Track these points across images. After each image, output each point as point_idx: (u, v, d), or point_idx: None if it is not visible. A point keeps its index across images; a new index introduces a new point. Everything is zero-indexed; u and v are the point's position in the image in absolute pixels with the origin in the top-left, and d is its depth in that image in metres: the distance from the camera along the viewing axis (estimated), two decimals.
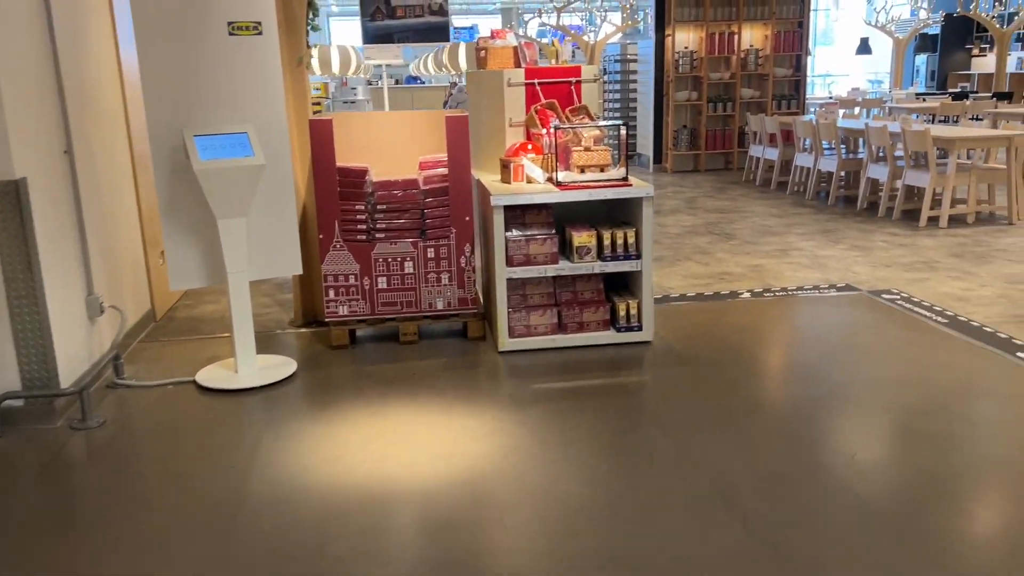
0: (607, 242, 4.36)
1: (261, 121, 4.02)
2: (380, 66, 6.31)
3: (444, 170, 4.43)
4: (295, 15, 4.63)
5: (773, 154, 9.83)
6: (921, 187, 7.43)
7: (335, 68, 6.75)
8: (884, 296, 5.21)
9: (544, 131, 4.58)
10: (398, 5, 5.06)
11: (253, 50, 3.97)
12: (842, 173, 8.52)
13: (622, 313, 4.41)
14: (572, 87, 4.93)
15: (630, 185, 4.28)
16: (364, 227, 4.40)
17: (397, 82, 22.61)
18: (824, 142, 8.82)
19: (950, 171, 7.17)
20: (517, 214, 4.37)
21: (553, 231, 4.37)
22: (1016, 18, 15.80)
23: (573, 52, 19.08)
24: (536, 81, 4.85)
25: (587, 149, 4.39)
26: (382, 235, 4.41)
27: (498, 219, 4.22)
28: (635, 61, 12.94)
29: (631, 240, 4.35)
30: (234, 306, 4.04)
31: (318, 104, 17.06)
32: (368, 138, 4.84)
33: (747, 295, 5.34)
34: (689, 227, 7.62)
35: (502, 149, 4.92)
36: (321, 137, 4.29)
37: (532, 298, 4.44)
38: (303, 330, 4.89)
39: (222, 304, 5.48)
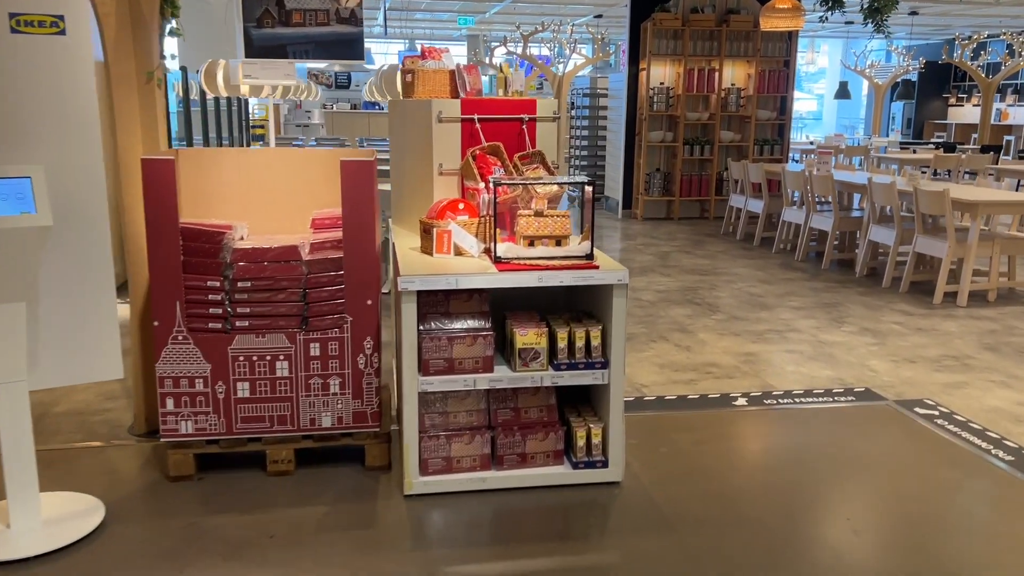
0: (562, 343, 3.12)
1: (60, 160, 2.73)
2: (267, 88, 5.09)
3: (340, 232, 3.17)
4: (142, 13, 3.36)
5: (757, 206, 8.72)
6: (935, 256, 6.34)
7: (220, 87, 5.50)
8: (918, 410, 4.03)
9: (482, 185, 3.36)
10: (294, 9, 3.81)
11: (51, 56, 2.69)
12: (837, 233, 7.43)
13: (581, 442, 3.16)
14: (524, 127, 3.72)
15: (597, 267, 3.06)
16: (219, 312, 3.11)
17: (354, 107, 21.39)
18: (817, 196, 7.72)
19: (972, 240, 6.08)
20: (438, 300, 3.12)
21: (487, 325, 3.12)
22: (1003, 68, 15.08)
23: (541, 83, 18.05)
24: (476, 117, 3.63)
25: (539, 213, 3.16)
26: (245, 323, 3.13)
27: (408, 308, 2.96)
28: (605, 96, 11.85)
29: (595, 341, 3.11)
30: (5, 432, 2.71)
31: (261, 128, 15.74)
32: (244, 185, 3.57)
33: (743, 402, 4.13)
34: (664, 292, 6.43)
35: (429, 204, 3.68)
36: (157, 183, 3.00)
37: (456, 418, 3.17)
38: (145, 442, 3.56)
39: None
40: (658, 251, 8.24)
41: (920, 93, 21.18)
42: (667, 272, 7.21)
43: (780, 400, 4.16)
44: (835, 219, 7.33)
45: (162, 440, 3.17)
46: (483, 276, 2.97)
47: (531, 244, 3.14)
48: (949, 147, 14.36)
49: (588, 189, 3.16)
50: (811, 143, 15.73)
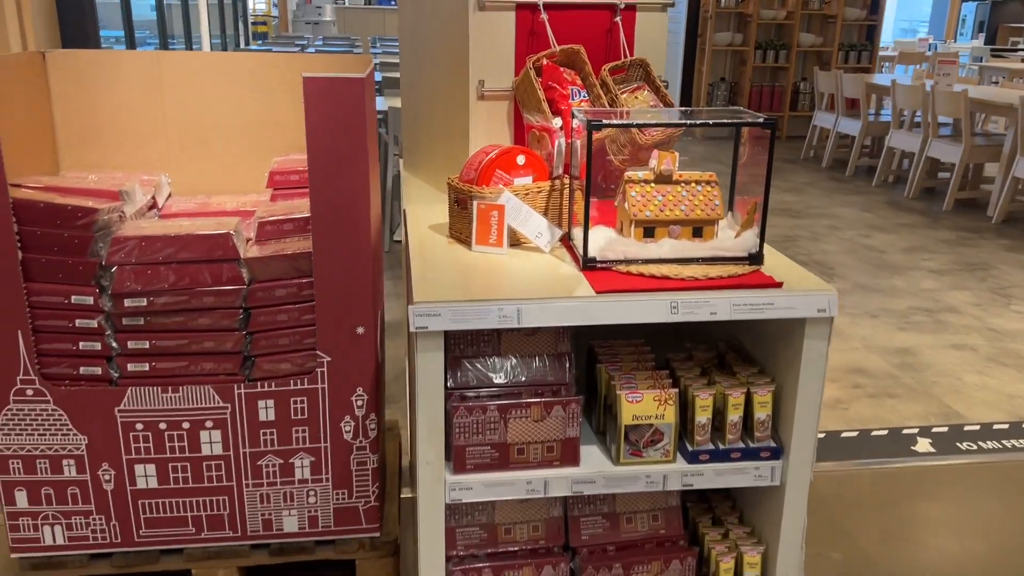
0: (703, 415, 1.75)
1: None
2: None
3: (303, 212, 1.78)
4: None
5: (851, 127, 7.16)
6: None
7: None
8: None
9: (556, 121, 1.93)
10: None
11: None
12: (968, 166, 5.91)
13: (724, 568, 1.84)
14: (618, 19, 2.27)
15: (778, 285, 1.66)
16: (97, 348, 1.76)
17: (368, 1, 19.43)
18: (941, 118, 6.16)
19: None
20: (484, 334, 1.75)
21: (570, 380, 1.77)
22: None
23: None
24: (542, 0, 2.18)
25: (664, 178, 1.75)
26: (143, 367, 1.78)
27: (429, 358, 1.59)
28: None
29: (761, 412, 1.75)
30: None
31: (264, 25, 14.00)
32: (168, 115, 2.17)
33: (927, 445, 2.78)
34: None
35: (462, 150, 2.28)
36: None
37: (509, 533, 1.85)
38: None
39: None
40: (718, 146, 6.73)
41: None
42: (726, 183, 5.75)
43: (983, 442, 2.80)
44: (965, 147, 5.79)
45: (14, 557, 1.88)
46: (568, 303, 1.58)
47: (648, 234, 1.74)
48: None
49: (745, 133, 1.74)
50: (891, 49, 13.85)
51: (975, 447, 2.77)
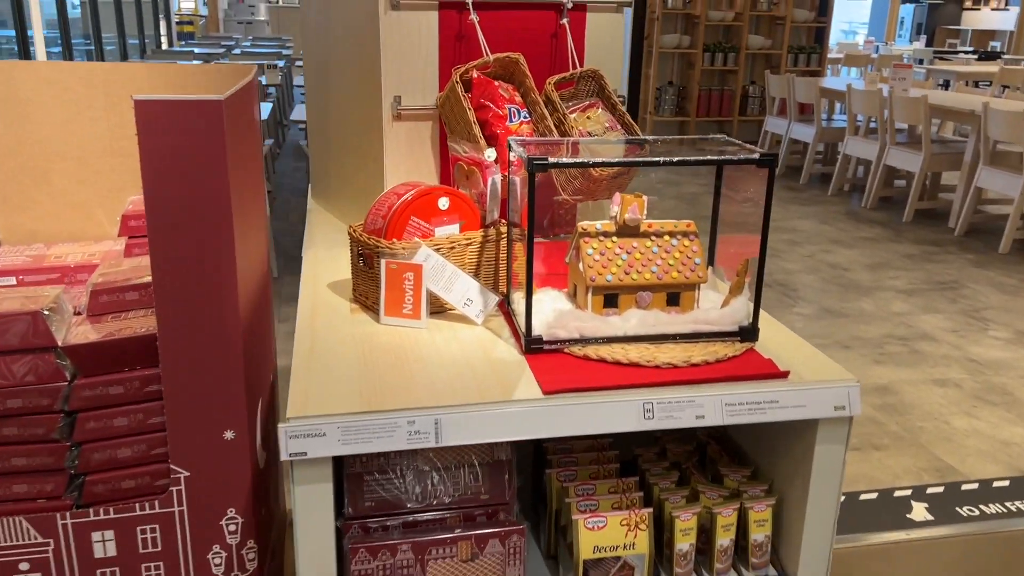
0: (684, 542, 1.34)
1: None
2: None
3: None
4: None
5: (804, 132, 6.89)
6: None
7: None
8: None
9: (488, 153, 1.50)
10: None
11: None
12: (927, 175, 5.65)
13: None
14: (564, 20, 1.86)
15: (783, 375, 1.26)
16: None
17: None
18: (898, 123, 5.91)
19: None
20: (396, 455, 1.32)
21: (508, 498, 1.34)
22: None
23: None
24: None
25: (627, 230, 1.34)
26: None
27: (309, 495, 1.15)
28: None
29: (759, 533, 1.35)
30: None
31: (190, 25, 13.26)
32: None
33: (923, 512, 2.42)
34: None
35: (375, 183, 1.85)
36: None
37: None
38: None
39: None
40: (681, 192, 6.42)
41: None
42: (705, 228, 5.41)
43: (985, 505, 2.45)
44: (925, 155, 5.54)
45: None
46: (505, 411, 1.16)
47: (610, 303, 1.33)
48: (989, 56, 12.52)
49: (757, 178, 1.33)
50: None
51: (976, 512, 2.42)
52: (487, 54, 1.75)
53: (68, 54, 6.28)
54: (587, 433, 1.17)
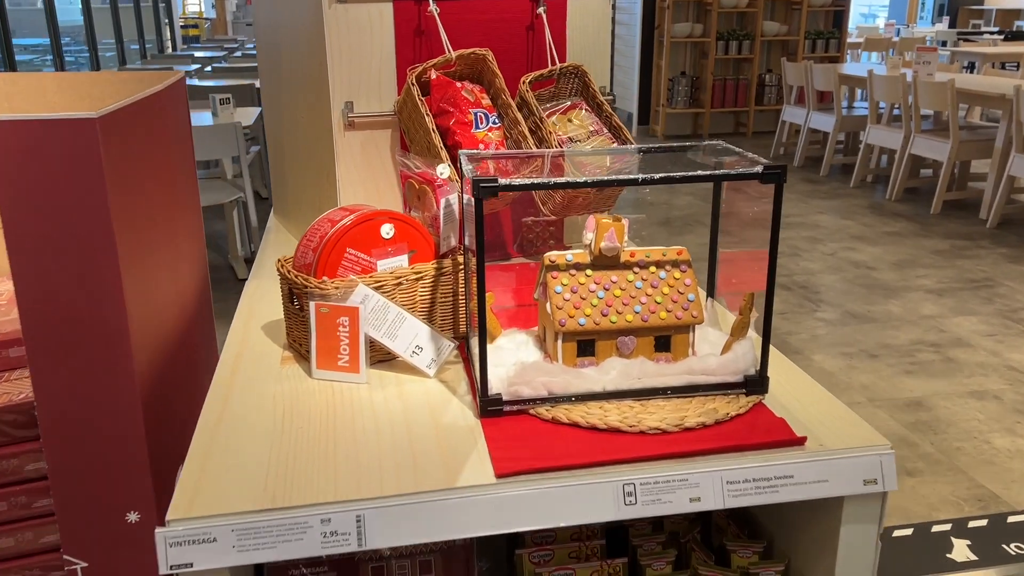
0: None
1: None
2: None
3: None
4: None
5: (824, 122, 6.59)
6: None
7: None
8: None
9: (441, 169, 1.26)
10: None
11: None
12: (956, 164, 5.35)
13: None
14: (541, 8, 1.61)
15: (800, 441, 1.01)
16: None
17: None
18: (923, 110, 5.60)
19: None
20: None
21: None
22: None
23: None
24: None
25: (597, 261, 1.10)
26: None
27: None
28: None
29: None
30: None
31: (195, 28, 13.11)
32: None
33: (964, 550, 2.17)
34: None
35: (328, 198, 1.62)
36: None
37: None
38: None
39: None
40: (696, 188, 6.13)
41: None
42: (702, 255, 5.14)
43: None
44: (953, 143, 5.23)
45: None
46: (445, 503, 0.92)
47: (585, 352, 1.09)
48: (1016, 36, 12.09)
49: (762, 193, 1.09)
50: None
51: None
52: (449, 51, 1.52)
53: (60, 62, 6.11)
54: (552, 525, 0.93)
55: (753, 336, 1.13)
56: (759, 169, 1.04)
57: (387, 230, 1.21)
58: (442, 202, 1.23)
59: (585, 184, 1.02)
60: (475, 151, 1.16)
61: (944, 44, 12.56)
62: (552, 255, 1.11)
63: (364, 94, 1.56)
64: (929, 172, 6.20)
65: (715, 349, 1.13)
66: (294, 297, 1.22)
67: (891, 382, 3.07)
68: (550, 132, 1.52)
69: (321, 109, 1.59)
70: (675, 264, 1.13)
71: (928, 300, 3.88)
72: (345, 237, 1.18)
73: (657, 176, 1.00)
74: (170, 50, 10.50)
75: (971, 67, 8.79)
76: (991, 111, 7.75)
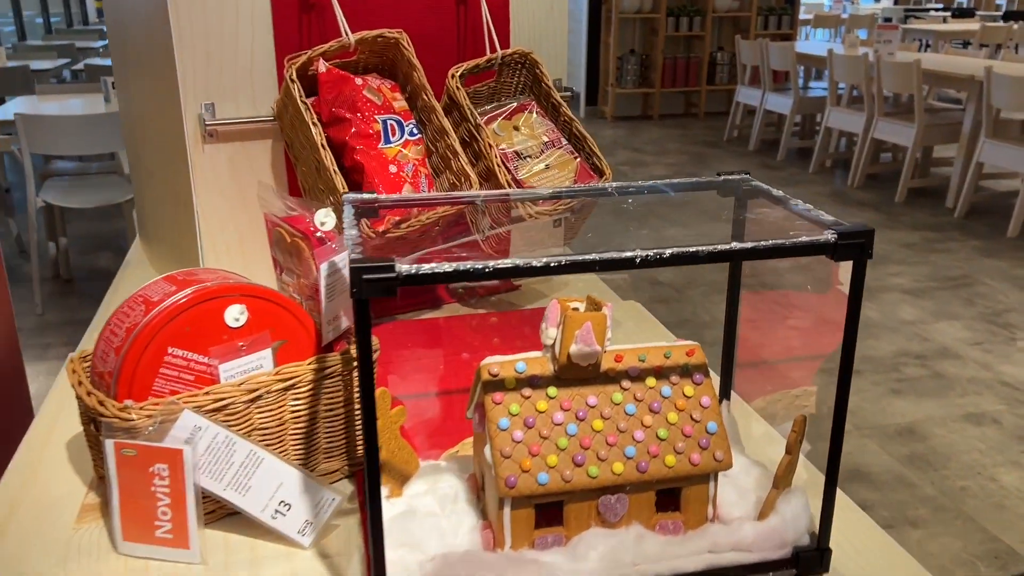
0: None
1: None
2: None
3: None
4: None
5: (781, 103, 6.28)
6: None
7: None
8: None
9: (318, 216, 0.83)
10: None
11: None
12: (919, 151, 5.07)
13: None
14: None
15: None
16: None
17: None
18: (886, 92, 5.31)
19: None
20: None
21: None
22: None
23: None
24: None
25: (562, 372, 0.69)
26: None
27: None
28: None
29: None
30: None
31: None
32: None
33: None
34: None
35: (188, 236, 1.18)
36: None
37: None
38: None
39: None
40: (648, 175, 5.79)
41: None
42: (713, 340, 4.78)
43: None
44: (919, 127, 4.95)
45: None
46: None
47: (549, 521, 0.68)
48: (963, 13, 11.99)
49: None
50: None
51: None
52: (346, 32, 1.08)
53: None
54: None
55: (802, 473, 0.74)
56: (830, 238, 0.64)
57: (235, 315, 0.78)
58: (323, 267, 0.80)
59: (544, 271, 0.60)
60: (364, 196, 0.73)
61: (888, 20, 12.42)
62: (493, 365, 0.69)
63: (230, 93, 1.12)
64: (889, 156, 5.94)
65: (742, 498, 0.74)
66: (94, 425, 0.79)
67: (878, 404, 2.74)
68: (489, 145, 1.10)
69: (172, 114, 1.14)
70: (685, 372, 0.72)
71: (905, 302, 3.57)
72: (166, 330, 0.75)
73: (669, 253, 0.60)
74: (80, 24, 9.73)
75: (926, 46, 8.59)
76: (943, 91, 7.55)
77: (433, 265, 0.57)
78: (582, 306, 0.72)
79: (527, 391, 0.69)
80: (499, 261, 0.58)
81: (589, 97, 8.12)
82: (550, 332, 0.70)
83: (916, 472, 2.38)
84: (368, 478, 0.61)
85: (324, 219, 0.80)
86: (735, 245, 0.61)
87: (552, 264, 0.58)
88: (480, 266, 0.57)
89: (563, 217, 1.21)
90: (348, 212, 0.69)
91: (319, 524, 0.75)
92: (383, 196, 0.74)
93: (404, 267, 0.56)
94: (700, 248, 0.60)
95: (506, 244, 1.19)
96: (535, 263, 0.58)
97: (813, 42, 8.11)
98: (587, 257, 0.59)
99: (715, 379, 0.86)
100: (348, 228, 0.65)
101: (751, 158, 6.31)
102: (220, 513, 0.78)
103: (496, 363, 0.69)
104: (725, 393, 0.87)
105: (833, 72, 5.63)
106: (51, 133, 3.15)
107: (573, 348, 0.68)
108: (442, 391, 0.98)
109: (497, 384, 0.69)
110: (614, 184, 0.85)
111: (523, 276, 0.58)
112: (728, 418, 0.85)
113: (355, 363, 0.82)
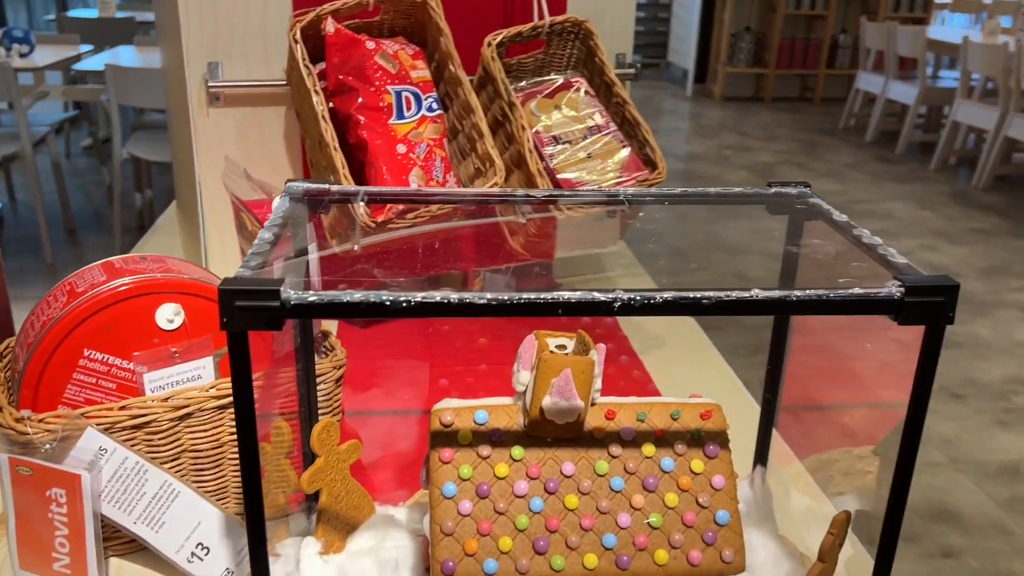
0: None
1: None
2: None
3: None
4: None
5: (904, 92, 5.82)
6: None
7: None
8: None
9: (277, 204, 0.70)
10: None
11: None
12: None
13: None
14: None
15: None
16: None
17: None
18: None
19: None
20: None
21: None
22: None
23: None
24: None
25: (533, 428, 0.54)
26: None
27: None
28: None
29: None
30: None
31: None
32: None
33: None
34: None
35: (193, 211, 1.08)
36: None
37: None
38: None
39: None
40: (752, 161, 5.47)
41: None
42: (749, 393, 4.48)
43: None
44: None
45: None
46: None
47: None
48: None
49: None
50: None
51: None
52: None
53: None
54: None
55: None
56: (895, 292, 0.46)
57: (168, 315, 0.65)
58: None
59: (479, 310, 0.45)
60: (312, 186, 0.59)
61: None
62: (447, 411, 0.55)
63: (238, 52, 1.01)
64: (1022, 157, 5.43)
65: None
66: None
67: (979, 435, 2.46)
68: (522, 127, 0.95)
69: (176, 73, 1.04)
70: (696, 440, 0.56)
71: (1021, 316, 3.23)
72: (83, 327, 0.64)
73: (660, 298, 0.44)
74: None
75: None
76: None
77: (336, 293, 0.43)
78: (571, 343, 0.56)
79: (485, 449, 0.54)
80: (426, 294, 0.43)
81: (698, 75, 7.76)
82: (522, 376, 0.55)
83: (1017, 518, 2.11)
84: (251, 543, 0.48)
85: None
86: (757, 294, 0.45)
87: (493, 303, 0.42)
88: (402, 299, 0.43)
89: (618, 209, 1.05)
90: (281, 205, 0.55)
91: (243, 574, 0.63)
92: (336, 187, 0.60)
93: (293, 294, 0.42)
94: (705, 294, 0.44)
95: (545, 240, 1.04)
96: (474, 300, 0.43)
97: (948, 28, 7.50)
98: (550, 296, 0.44)
99: (750, 436, 0.69)
100: (268, 227, 0.52)
101: (867, 149, 5.89)
102: (138, 544, 0.67)
103: (450, 409, 0.55)
104: (761, 458, 0.70)
105: (967, 61, 5.15)
106: (137, 85, 3.16)
107: (547, 401, 0.53)
108: (425, 412, 0.85)
109: (448, 437, 0.54)
110: (653, 190, 0.69)
111: (452, 315, 0.44)
112: (761, 489, 0.68)
113: (324, 373, 0.69)
